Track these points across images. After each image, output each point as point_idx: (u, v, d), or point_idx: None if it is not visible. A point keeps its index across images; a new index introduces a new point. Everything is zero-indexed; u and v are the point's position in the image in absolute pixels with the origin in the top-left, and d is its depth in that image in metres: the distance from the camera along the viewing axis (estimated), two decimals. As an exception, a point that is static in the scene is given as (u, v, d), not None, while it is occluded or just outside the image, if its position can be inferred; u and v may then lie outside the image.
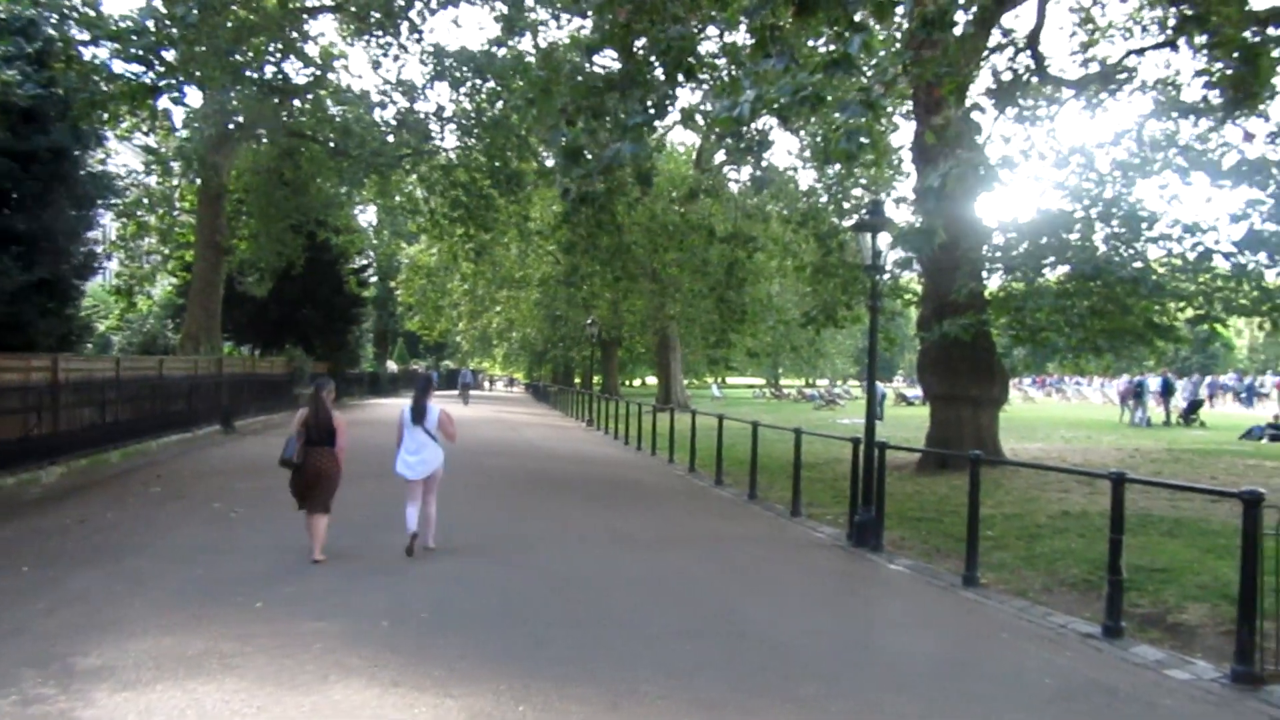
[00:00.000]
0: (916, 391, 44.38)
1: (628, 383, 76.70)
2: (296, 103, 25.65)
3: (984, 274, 16.11)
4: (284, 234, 29.09)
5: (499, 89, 22.89)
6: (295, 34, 23.13)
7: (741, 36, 13.51)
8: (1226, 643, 6.27)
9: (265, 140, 26.15)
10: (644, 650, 6.20)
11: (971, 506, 8.59)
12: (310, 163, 27.42)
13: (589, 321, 38.65)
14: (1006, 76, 17.04)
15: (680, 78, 9.24)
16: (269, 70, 22.88)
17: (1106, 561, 6.97)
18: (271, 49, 22.41)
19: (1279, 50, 15.31)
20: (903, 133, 23.32)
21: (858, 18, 7.90)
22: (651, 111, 8.62)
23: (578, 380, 56.04)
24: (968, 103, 16.30)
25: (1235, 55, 12.98)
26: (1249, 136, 14.99)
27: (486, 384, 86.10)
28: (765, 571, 9.18)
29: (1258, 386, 48.81)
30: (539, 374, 69.88)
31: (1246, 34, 12.77)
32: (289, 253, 29.69)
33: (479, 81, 23.19)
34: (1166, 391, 34.00)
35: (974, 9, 16.14)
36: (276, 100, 23.25)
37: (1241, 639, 5.85)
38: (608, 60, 17.08)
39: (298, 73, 24.55)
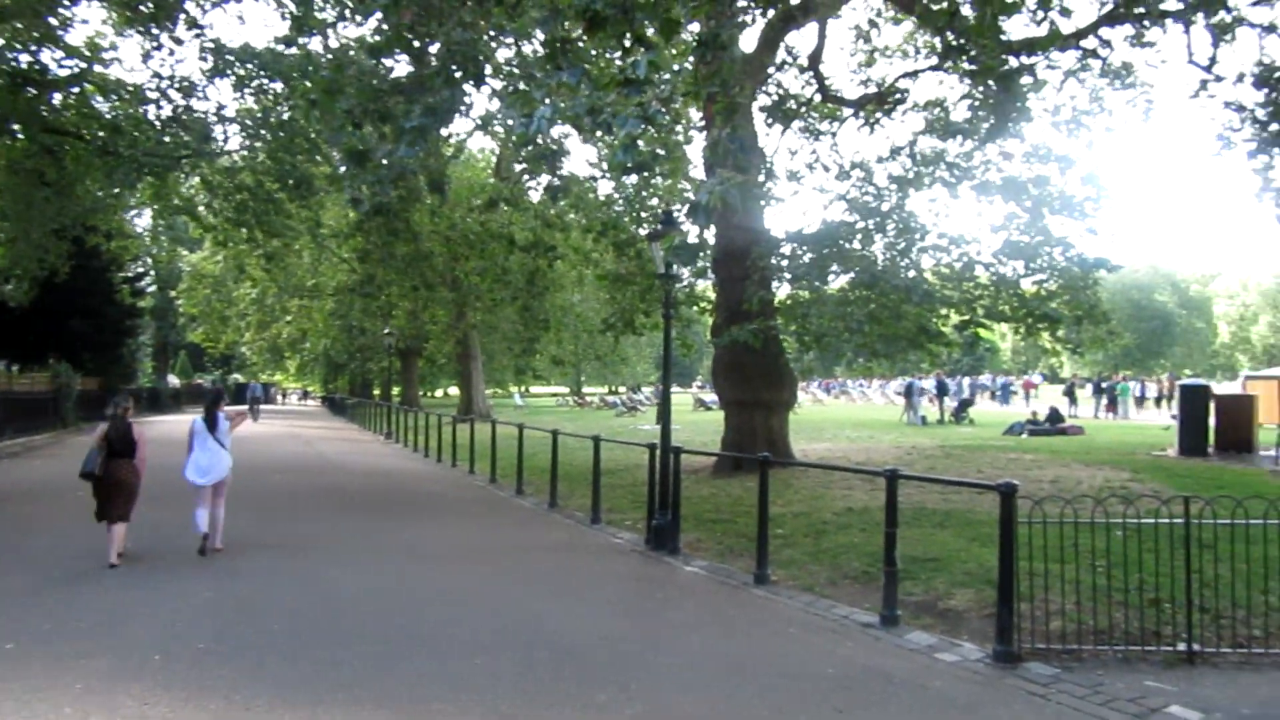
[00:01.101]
0: (714, 396, 45.75)
1: (429, 394, 75.23)
2: (58, 97, 23.65)
3: (773, 282, 16.80)
4: (46, 239, 26.69)
5: (286, 89, 21.89)
6: (54, 20, 21.34)
7: (535, 48, 13.51)
8: (990, 625, 6.74)
9: (20, 136, 23.94)
10: (438, 667, 6.06)
11: (761, 507, 8.90)
12: (75, 162, 25.27)
13: (386, 331, 37.61)
14: (791, 93, 17.86)
15: (470, 84, 9.12)
16: (23, 59, 20.97)
17: (883, 554, 7.38)
18: (26, 36, 20.56)
19: (1029, 78, 16.76)
20: (700, 143, 23.99)
21: (650, 34, 8.05)
22: (432, 116, 8.44)
23: (377, 392, 54.37)
24: (753, 120, 17.00)
25: (993, 81, 14.05)
26: (1007, 156, 16.28)
27: (279, 398, 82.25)
28: (563, 579, 9.18)
29: (1009, 386, 53.92)
30: (335, 386, 67.40)
31: (1005, 62, 13.83)
32: (51, 260, 27.32)
33: (265, 81, 22.11)
34: (941, 392, 36.56)
35: (759, 28, 16.85)
36: (33, 93, 21.34)
37: (1001, 621, 6.32)
38: (401, 64, 16.70)
39: (58, 64, 22.64)
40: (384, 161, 10.19)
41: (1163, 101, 52.73)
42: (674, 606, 8.27)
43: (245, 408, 42.62)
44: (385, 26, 10.41)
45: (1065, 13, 13.97)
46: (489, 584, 8.81)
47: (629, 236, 21.39)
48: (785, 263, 16.10)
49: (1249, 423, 19.60)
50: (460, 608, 7.80)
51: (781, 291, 17.85)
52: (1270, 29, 15.65)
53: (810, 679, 5.96)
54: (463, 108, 10.83)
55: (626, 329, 21.46)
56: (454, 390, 67.39)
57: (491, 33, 12.03)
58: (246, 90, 22.64)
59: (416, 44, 10.69)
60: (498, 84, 14.96)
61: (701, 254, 10.25)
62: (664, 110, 7.52)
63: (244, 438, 20.60)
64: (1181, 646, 6.28)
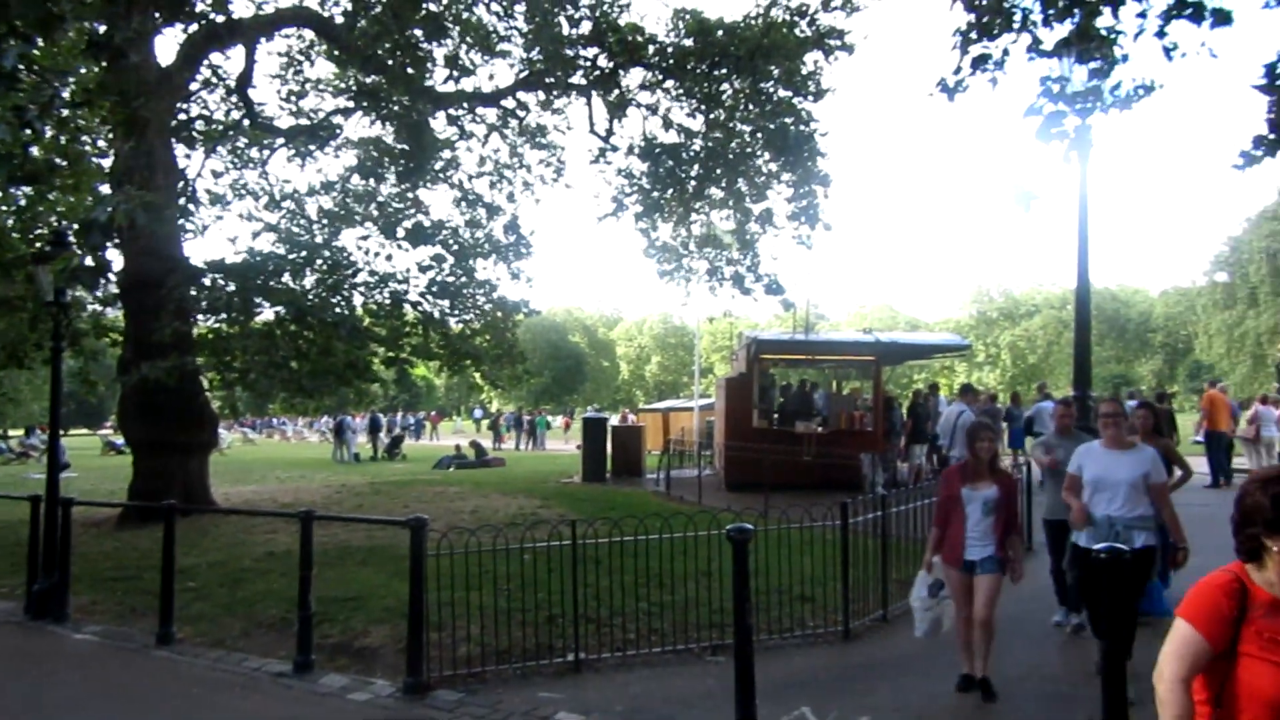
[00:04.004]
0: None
1: None
2: None
3: (192, 315, 15.63)
4: None
5: None
6: None
7: None
8: (404, 659, 6.85)
9: None
10: None
11: (166, 560, 8.20)
12: None
13: None
14: (214, 115, 16.93)
15: None
16: None
17: (298, 598, 7.17)
18: None
19: (454, 128, 17.75)
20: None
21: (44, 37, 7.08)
22: None
23: None
24: (171, 139, 15.84)
25: (406, 130, 14.62)
26: (424, 206, 17.03)
27: None
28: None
29: (421, 421, 58.45)
30: None
31: (417, 111, 14.45)
32: None
33: None
34: (373, 429, 36.78)
35: (179, 41, 15.75)
36: None
37: (411, 653, 6.48)
38: None
39: None
40: None
41: (575, 163, 59.53)
42: (57, 683, 7.24)
43: None
44: None
45: (468, 72, 14.99)
46: None
47: (17, 257, 18.48)
48: (206, 294, 15.09)
49: (639, 450, 22.50)
50: None
51: (203, 325, 16.68)
52: (654, 109, 18.34)
53: (211, 742, 5.58)
54: None
55: (11, 362, 18.47)
56: None
57: None
58: None
59: None
60: None
61: (104, 279, 9.19)
62: (44, 117, 6.57)
63: None
64: (570, 656, 6.96)
